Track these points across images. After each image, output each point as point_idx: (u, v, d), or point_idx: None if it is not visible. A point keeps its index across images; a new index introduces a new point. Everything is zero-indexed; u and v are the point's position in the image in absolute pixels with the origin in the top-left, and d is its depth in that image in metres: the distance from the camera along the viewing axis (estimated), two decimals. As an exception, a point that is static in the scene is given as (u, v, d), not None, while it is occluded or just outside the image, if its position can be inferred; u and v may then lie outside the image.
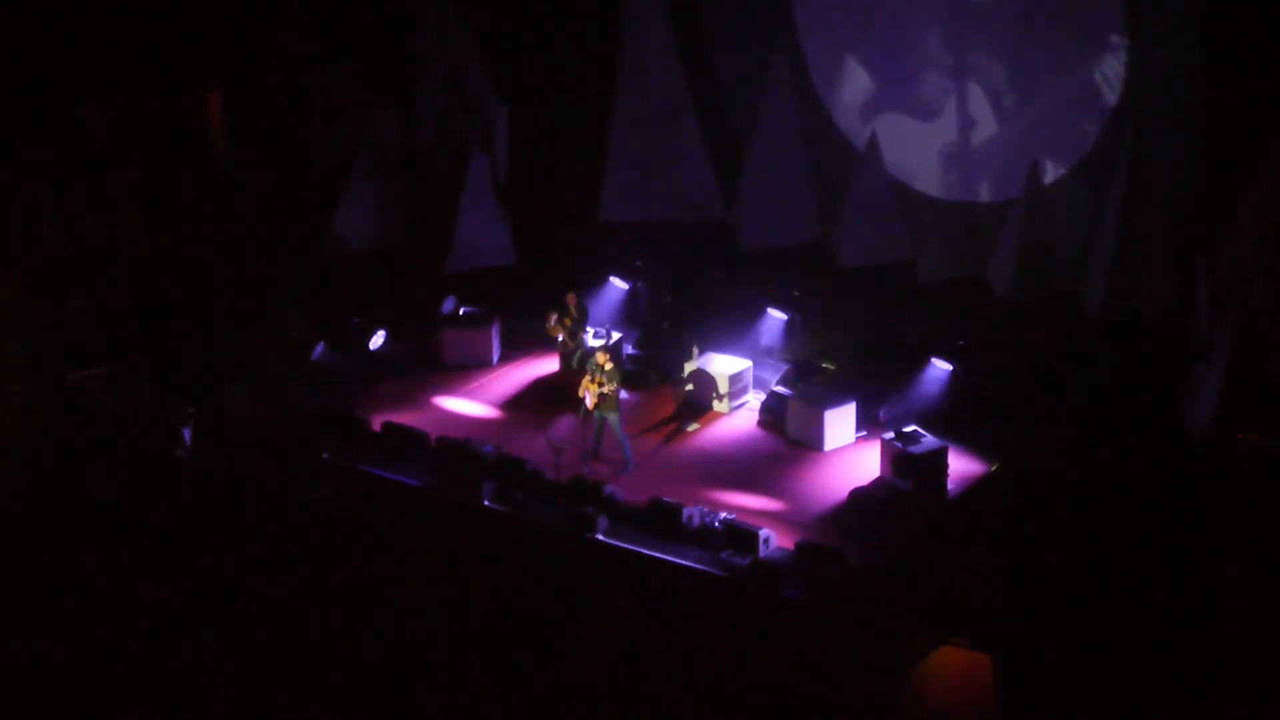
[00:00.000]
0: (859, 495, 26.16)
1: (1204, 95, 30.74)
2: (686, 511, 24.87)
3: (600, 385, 26.53)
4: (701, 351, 29.40)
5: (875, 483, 26.53)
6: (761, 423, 28.61)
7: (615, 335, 29.94)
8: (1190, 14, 30.57)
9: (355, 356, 30.61)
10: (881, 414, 28.12)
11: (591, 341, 29.52)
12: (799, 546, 23.97)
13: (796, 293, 30.88)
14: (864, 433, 27.84)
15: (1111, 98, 31.79)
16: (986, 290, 32.54)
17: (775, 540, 24.43)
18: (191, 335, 31.40)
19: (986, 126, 33.50)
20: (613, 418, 26.80)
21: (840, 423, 27.69)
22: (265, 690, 22.78)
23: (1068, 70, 32.33)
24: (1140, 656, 22.31)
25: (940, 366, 28.45)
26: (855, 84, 34.84)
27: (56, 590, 24.75)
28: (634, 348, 30.67)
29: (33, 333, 30.73)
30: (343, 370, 30.31)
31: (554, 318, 29.73)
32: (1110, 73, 31.74)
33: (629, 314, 31.87)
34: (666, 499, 25.21)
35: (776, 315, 30.73)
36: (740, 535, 24.35)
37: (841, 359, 30.07)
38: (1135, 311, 30.74)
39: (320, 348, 30.48)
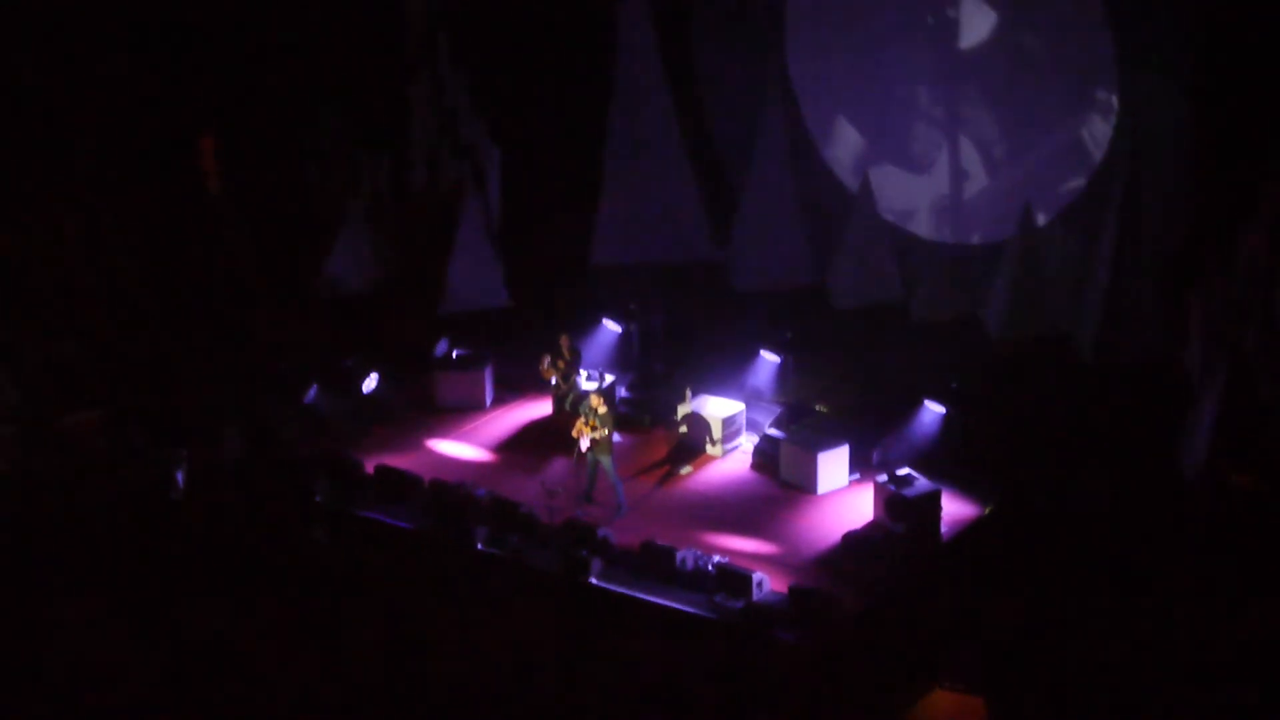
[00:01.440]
0: (852, 538, 26.14)
1: (1194, 140, 30.78)
2: (680, 554, 24.85)
3: (594, 428, 26.54)
4: (695, 394, 29.42)
5: (869, 525, 26.51)
6: (755, 465, 28.62)
7: (608, 378, 29.97)
8: (1179, 65, 30.62)
9: (348, 399, 30.59)
10: (875, 457, 28.13)
11: (585, 384, 29.54)
12: (792, 590, 23.96)
13: (789, 335, 30.92)
14: (857, 475, 27.84)
15: (1103, 142, 31.86)
16: (980, 332, 32.57)
17: (768, 583, 24.41)
18: (184, 377, 31.38)
19: (979, 171, 33.59)
20: (606, 461, 26.79)
21: (833, 465, 27.69)
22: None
23: (1060, 116, 32.40)
24: (1135, 698, 22.29)
25: (933, 409, 28.46)
26: (848, 128, 34.93)
27: (49, 631, 24.68)
28: (627, 390, 30.68)
29: (25, 375, 30.69)
30: (336, 413, 30.30)
31: (547, 360, 29.74)
32: (1102, 118, 31.82)
33: (622, 356, 31.87)
34: (660, 542, 25.19)
35: (769, 358, 30.76)
36: (733, 578, 24.32)
37: (835, 402, 30.09)
38: (1128, 353, 30.77)
39: (313, 390, 30.45)
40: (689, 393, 29.38)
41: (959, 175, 33.77)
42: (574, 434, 26.80)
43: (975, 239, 33.96)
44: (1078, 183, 32.41)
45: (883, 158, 34.42)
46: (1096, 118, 31.91)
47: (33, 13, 33.50)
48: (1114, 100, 31.54)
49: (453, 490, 26.71)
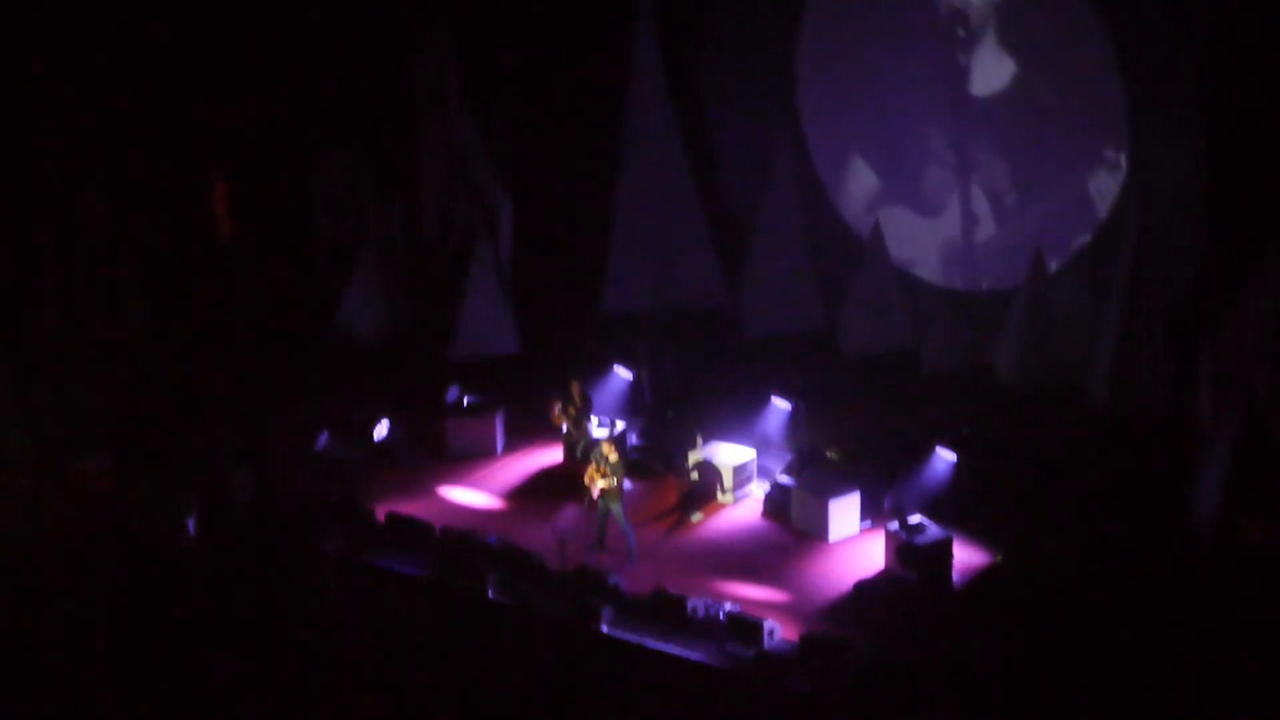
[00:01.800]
0: (864, 586, 26.11)
1: (1203, 189, 30.79)
2: (691, 602, 24.81)
3: (605, 475, 26.53)
4: (706, 441, 29.42)
5: (880, 573, 26.49)
6: (766, 513, 28.60)
7: (619, 424, 29.97)
8: (1192, 114, 30.67)
9: (359, 446, 30.61)
10: (886, 504, 28.10)
11: (596, 431, 29.54)
12: (804, 638, 23.91)
13: (800, 382, 30.92)
14: (868, 523, 27.81)
15: (1113, 191, 31.89)
16: (990, 380, 32.56)
17: (780, 631, 24.37)
18: (195, 424, 31.42)
19: (990, 218, 33.63)
20: (617, 508, 26.77)
21: (844, 513, 27.66)
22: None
23: (1071, 165, 32.45)
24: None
25: (944, 456, 28.44)
26: (858, 176, 35.03)
27: (59, 678, 24.67)
28: (638, 437, 30.69)
29: (37, 422, 30.74)
30: (346, 460, 30.31)
31: (558, 407, 29.76)
32: (1112, 167, 31.86)
33: (633, 403, 31.88)
34: (671, 590, 25.15)
35: (781, 404, 30.76)
36: (745, 626, 24.27)
37: (845, 448, 30.05)
38: (1139, 401, 30.72)
39: (324, 437, 30.49)
40: (700, 439, 29.38)
41: (970, 222, 33.82)
42: (585, 481, 26.80)
43: (985, 286, 33.98)
44: (1088, 230, 32.44)
45: (893, 204, 34.49)
46: (1107, 166, 31.95)
47: (45, 57, 33.66)
48: (1124, 149, 31.58)
49: (463, 537, 26.71)
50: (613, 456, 26.61)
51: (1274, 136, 29.21)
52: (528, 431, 31.19)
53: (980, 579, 26.27)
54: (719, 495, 28.92)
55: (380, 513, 27.96)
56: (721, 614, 24.68)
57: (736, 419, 30.68)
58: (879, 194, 34.75)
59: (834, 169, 35.32)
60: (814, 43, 34.93)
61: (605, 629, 24.75)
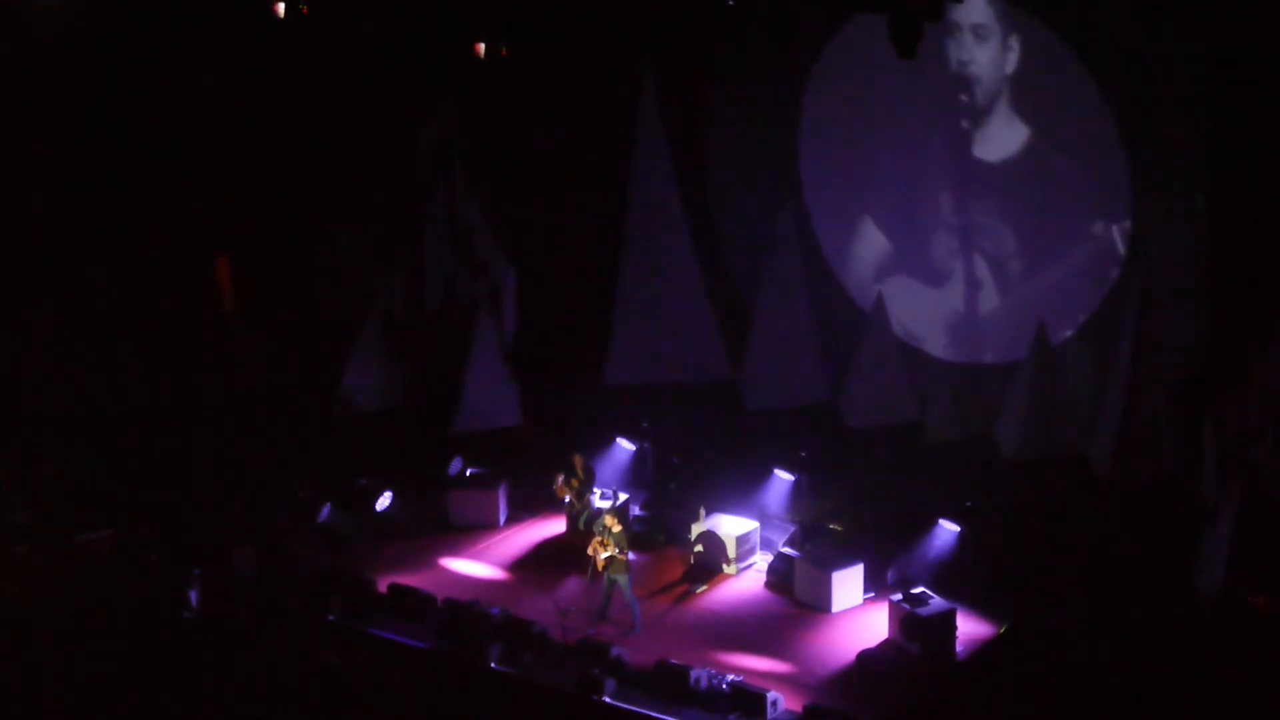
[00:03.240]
0: (867, 657, 26.03)
1: (1207, 262, 30.87)
2: (694, 673, 24.71)
3: (608, 547, 26.50)
4: (709, 513, 29.39)
5: (883, 644, 26.40)
6: (769, 584, 28.53)
7: (622, 496, 29.93)
8: (1195, 187, 30.77)
9: (362, 517, 30.59)
10: (889, 575, 28.05)
11: (599, 503, 29.53)
12: (807, 709, 23.80)
13: (803, 454, 30.92)
14: (871, 594, 27.74)
15: (1118, 264, 31.97)
16: (994, 452, 32.57)
17: (783, 703, 24.27)
18: (197, 496, 31.40)
19: (993, 290, 33.70)
20: (621, 579, 26.72)
21: (848, 584, 27.60)
22: None
23: (1075, 236, 32.54)
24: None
25: (948, 528, 28.41)
26: (861, 247, 35.12)
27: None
28: (641, 509, 30.66)
29: (39, 494, 30.73)
30: (349, 531, 30.29)
31: (561, 479, 29.75)
32: (1116, 239, 31.95)
33: (636, 475, 31.86)
34: (674, 661, 25.06)
35: (783, 476, 30.75)
36: (748, 698, 24.18)
37: (849, 520, 30.03)
38: (1142, 473, 30.73)
39: (327, 509, 30.49)
40: (703, 511, 29.35)
41: (973, 292, 33.88)
42: (589, 552, 26.77)
43: (989, 358, 34.02)
44: (1092, 303, 32.50)
45: (897, 275, 34.58)
46: (1110, 238, 32.04)
47: (46, 128, 33.83)
48: (1127, 221, 31.68)
49: (466, 609, 26.63)
50: (616, 528, 26.59)
51: (1276, 210, 29.32)
52: (530, 504, 31.15)
53: (984, 651, 26.18)
54: (723, 566, 28.86)
55: (382, 584, 27.88)
56: (725, 685, 24.58)
57: (739, 491, 30.65)
58: (882, 265, 34.84)
59: (837, 241, 35.41)
60: (817, 114, 35.07)
61: (608, 700, 24.66)
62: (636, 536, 29.05)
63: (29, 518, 30.15)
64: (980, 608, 26.98)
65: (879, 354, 33.88)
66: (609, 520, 26.68)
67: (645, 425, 32.17)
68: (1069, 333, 32.75)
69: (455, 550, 29.96)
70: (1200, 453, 28.81)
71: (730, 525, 29.10)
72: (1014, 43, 32.35)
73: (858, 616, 27.39)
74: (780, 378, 34.76)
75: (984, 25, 32.35)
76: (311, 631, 26.82)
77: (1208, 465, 28.42)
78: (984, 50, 32.52)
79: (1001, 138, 32.95)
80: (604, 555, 26.53)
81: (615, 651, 25.43)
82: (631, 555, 27.15)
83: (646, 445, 32.03)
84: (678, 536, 29.58)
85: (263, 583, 28.21)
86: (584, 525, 29.12)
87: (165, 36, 34.44)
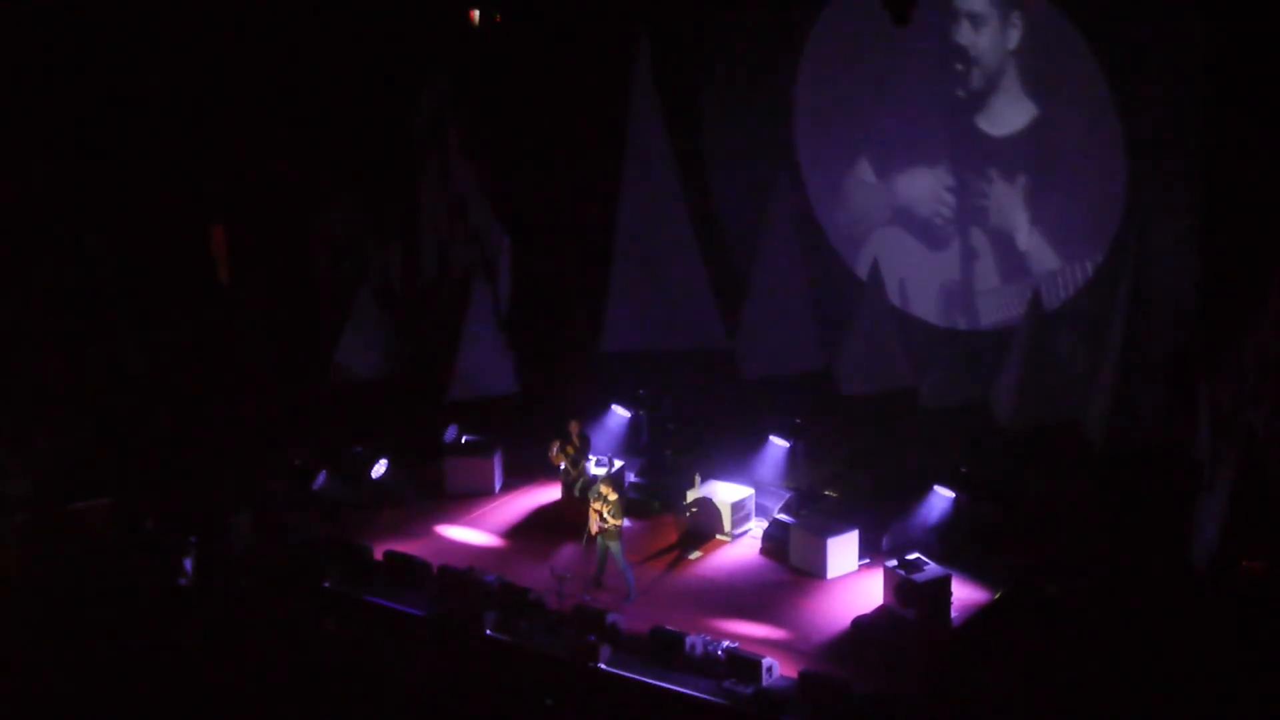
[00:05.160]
0: (862, 623, 26.06)
1: (1203, 226, 30.87)
2: (689, 640, 24.75)
3: (603, 514, 26.52)
4: (704, 479, 29.41)
5: (878, 611, 26.42)
6: (764, 550, 28.56)
7: (617, 464, 29.96)
8: (1191, 155, 30.74)
9: (357, 485, 30.59)
10: (884, 542, 28.07)
11: (594, 470, 29.54)
12: (802, 675, 23.85)
13: (799, 421, 30.92)
14: (866, 560, 27.77)
15: (1113, 229, 31.96)
16: (989, 418, 32.59)
17: (778, 669, 24.29)
18: (193, 465, 31.42)
19: (988, 257, 33.70)
20: (615, 546, 26.75)
21: (843, 550, 27.63)
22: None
23: (1070, 202, 32.55)
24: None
25: (943, 494, 28.43)
26: (857, 215, 35.12)
27: (54, 718, 24.61)
28: (636, 476, 30.67)
29: (36, 463, 30.73)
30: (345, 499, 30.29)
31: (556, 446, 29.76)
32: (1111, 204, 31.93)
33: (631, 442, 31.88)
34: (669, 627, 25.09)
35: (779, 443, 30.76)
36: (743, 664, 24.21)
37: (844, 487, 30.06)
38: (1137, 439, 30.75)
39: (322, 477, 30.48)
40: (698, 478, 29.38)
41: (969, 260, 33.89)
42: (586, 520, 26.80)
43: (984, 325, 34.03)
44: (1088, 268, 32.50)
45: (893, 243, 34.57)
46: (1106, 206, 32.02)
47: (45, 98, 33.74)
48: (1123, 189, 31.66)
49: (462, 576, 26.66)
50: (611, 495, 26.61)
51: (1272, 177, 29.29)
52: (526, 471, 31.17)
53: (978, 616, 26.21)
54: (717, 533, 28.89)
55: (378, 551, 27.91)
56: (720, 651, 24.62)
57: (735, 458, 30.68)
58: (878, 232, 34.84)
59: (833, 208, 35.42)
60: (813, 82, 35.09)
61: (603, 666, 24.70)
62: (632, 503, 29.06)
63: (25, 486, 30.12)
64: (975, 574, 27.01)
65: (874, 321, 33.90)
66: (604, 487, 26.70)
67: (641, 393, 32.18)
68: (1064, 298, 32.74)
69: (451, 518, 29.99)
70: (1195, 419, 28.80)
71: (725, 492, 29.13)
72: (1016, 19, 32.36)
73: (853, 583, 27.41)
74: (776, 345, 34.78)
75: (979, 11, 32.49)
76: (307, 599, 26.84)
77: (1202, 430, 28.40)
78: (983, 28, 32.53)
79: (999, 107, 32.95)
80: (599, 523, 26.56)
81: (611, 618, 25.46)
82: (627, 522, 27.16)
83: (642, 412, 32.04)
84: (673, 503, 29.59)
85: (258, 551, 28.23)
86: (579, 492, 29.13)
87: (163, 4, 34.35)
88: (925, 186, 34.14)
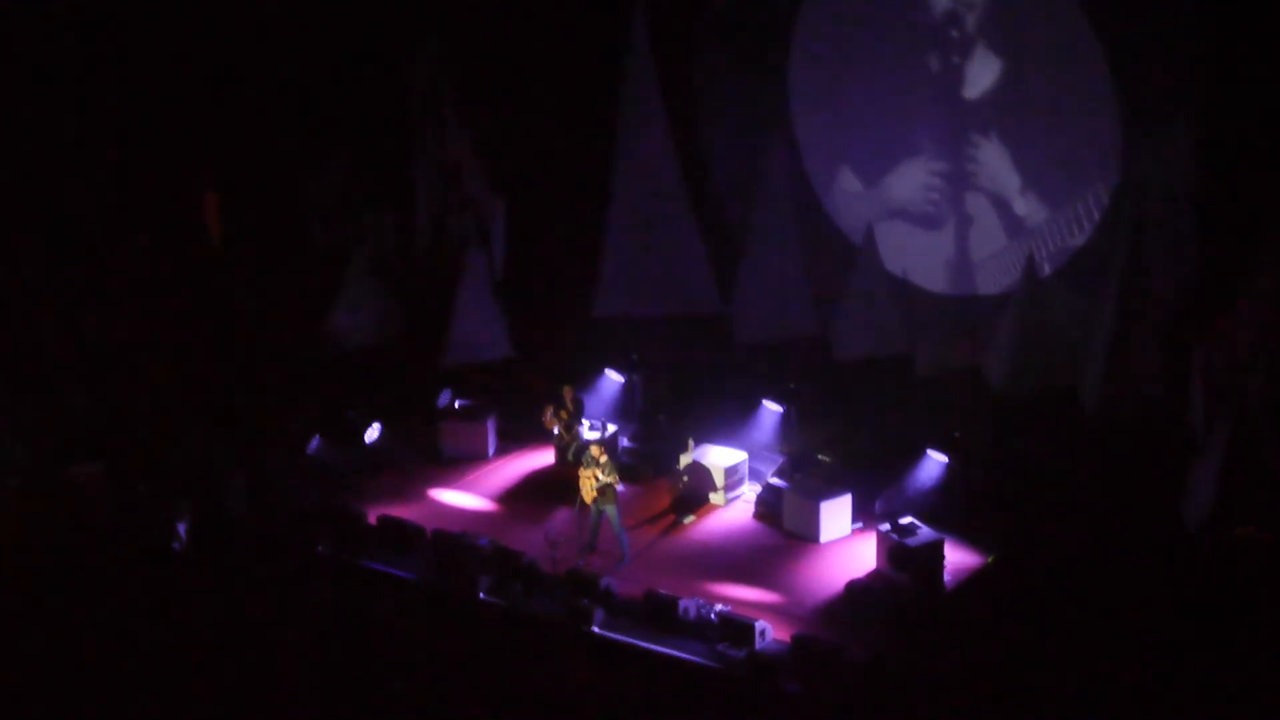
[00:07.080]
0: (855, 587, 26.10)
1: (1199, 193, 30.83)
2: (682, 604, 24.78)
3: (597, 478, 26.53)
4: (697, 444, 29.42)
5: (871, 575, 26.47)
6: (757, 515, 28.59)
7: (611, 428, 29.98)
8: (1185, 119, 30.67)
9: (351, 450, 30.59)
10: (877, 506, 28.09)
11: (587, 434, 29.54)
12: (795, 639, 23.88)
13: (793, 385, 30.91)
14: (860, 525, 27.81)
15: (1107, 196, 31.92)
16: (983, 384, 32.58)
17: (771, 632, 24.35)
18: (187, 429, 31.40)
19: (983, 223, 33.66)
20: (610, 510, 26.77)
21: (836, 515, 27.66)
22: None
23: (1065, 168, 32.49)
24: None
25: (936, 459, 28.42)
26: (852, 178, 35.06)
27: (50, 683, 24.61)
28: (630, 440, 30.67)
29: (28, 427, 30.72)
30: (339, 464, 30.30)
31: (550, 411, 29.76)
32: (1106, 171, 31.88)
33: (625, 407, 31.87)
34: (662, 591, 25.12)
35: (772, 408, 30.75)
36: (736, 627, 24.26)
37: (837, 451, 30.06)
38: (1131, 406, 30.73)
39: (316, 441, 30.47)
40: (691, 442, 29.39)
41: (963, 226, 33.86)
42: (579, 484, 26.82)
43: (979, 291, 34.01)
44: (1082, 236, 32.48)
45: (886, 208, 34.53)
46: (1100, 171, 31.98)
47: (36, 62, 33.69)
48: (1117, 154, 31.61)
49: (455, 540, 26.66)
50: (604, 460, 26.62)
51: (1268, 141, 29.26)
52: (519, 435, 31.18)
53: (971, 581, 26.26)
54: (711, 497, 28.91)
55: (372, 516, 27.93)
56: (713, 615, 24.67)
57: (728, 422, 30.68)
58: (872, 198, 34.79)
59: (827, 174, 35.37)
60: (807, 49, 35.00)
61: (597, 630, 24.74)
62: (625, 468, 29.06)
63: (19, 451, 30.12)
64: (968, 538, 27.05)
65: (869, 287, 33.81)
66: (597, 452, 26.70)
67: (634, 357, 32.15)
68: (1059, 264, 32.73)
69: (444, 482, 30.02)
70: (1189, 386, 28.81)
71: (719, 456, 29.14)
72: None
73: (846, 547, 27.46)
74: (770, 310, 34.69)
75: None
76: (301, 564, 26.86)
77: (1196, 397, 28.42)
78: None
79: (987, 72, 32.90)
80: (593, 487, 26.57)
81: (604, 582, 25.51)
82: (620, 486, 27.17)
83: (635, 377, 32.02)
84: (666, 468, 29.61)
85: (252, 515, 28.23)
86: (573, 457, 29.10)
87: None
88: (920, 151, 34.10)
